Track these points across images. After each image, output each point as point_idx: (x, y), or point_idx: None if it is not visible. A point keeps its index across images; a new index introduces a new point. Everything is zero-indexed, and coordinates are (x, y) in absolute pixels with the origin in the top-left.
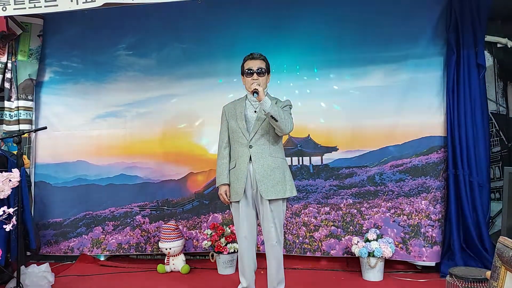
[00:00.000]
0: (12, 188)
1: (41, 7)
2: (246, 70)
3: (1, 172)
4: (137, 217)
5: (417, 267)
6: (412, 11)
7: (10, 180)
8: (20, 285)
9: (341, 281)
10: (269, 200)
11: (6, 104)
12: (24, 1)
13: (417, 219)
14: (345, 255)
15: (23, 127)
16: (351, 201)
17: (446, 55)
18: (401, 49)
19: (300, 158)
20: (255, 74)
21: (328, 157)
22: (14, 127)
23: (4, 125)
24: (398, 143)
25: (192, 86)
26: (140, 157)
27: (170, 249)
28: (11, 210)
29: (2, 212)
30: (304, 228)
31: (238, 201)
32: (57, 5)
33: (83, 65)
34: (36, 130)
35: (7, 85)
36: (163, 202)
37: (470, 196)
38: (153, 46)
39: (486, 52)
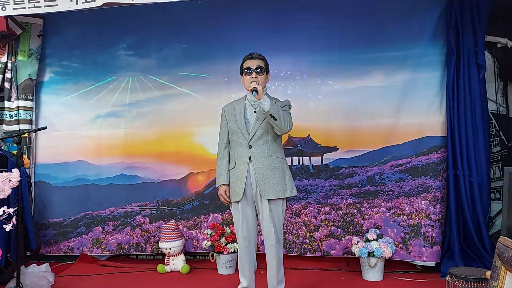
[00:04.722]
0: (12, 188)
1: (40, 7)
2: (245, 70)
3: (1, 172)
4: (137, 217)
5: (417, 267)
6: (412, 11)
7: (10, 180)
8: (20, 285)
9: (341, 281)
10: (268, 200)
11: (6, 104)
12: (23, 1)
13: (417, 219)
14: (345, 255)
15: (23, 127)
16: (351, 201)
17: (446, 55)
18: (401, 49)
19: (300, 158)
20: (254, 73)
21: (328, 157)
22: (14, 127)
23: (4, 125)
24: (398, 143)
25: (192, 86)
26: (140, 157)
27: (170, 249)
28: (11, 210)
29: (2, 212)
30: (304, 228)
31: (238, 201)
32: (57, 5)
33: (83, 65)
34: (36, 130)
35: (7, 85)
36: (163, 202)
37: (470, 196)
38: (153, 46)
39: (486, 52)
